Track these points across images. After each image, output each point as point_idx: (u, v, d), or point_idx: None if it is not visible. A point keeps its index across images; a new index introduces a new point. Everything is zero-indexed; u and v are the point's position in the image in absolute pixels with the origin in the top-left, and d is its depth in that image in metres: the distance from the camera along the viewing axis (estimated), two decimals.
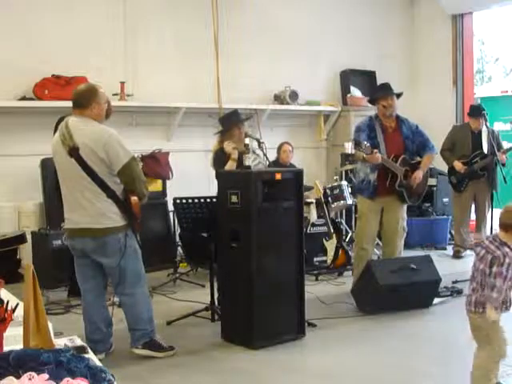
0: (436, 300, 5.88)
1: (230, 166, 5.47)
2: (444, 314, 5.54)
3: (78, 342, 2.29)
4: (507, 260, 3.32)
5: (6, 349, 1.94)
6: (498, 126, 11.12)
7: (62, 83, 7.19)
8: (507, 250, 3.36)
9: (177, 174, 7.65)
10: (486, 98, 12.06)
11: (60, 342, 2.21)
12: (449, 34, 10.20)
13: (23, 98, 7.09)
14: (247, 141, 5.18)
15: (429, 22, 10.43)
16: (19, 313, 2.11)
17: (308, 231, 7.34)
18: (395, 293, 5.57)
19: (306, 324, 5.06)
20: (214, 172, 5.63)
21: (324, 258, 7.43)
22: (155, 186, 7.42)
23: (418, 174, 6.17)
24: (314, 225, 7.54)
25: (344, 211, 8.30)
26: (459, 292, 5.99)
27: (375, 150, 5.85)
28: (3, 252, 6.47)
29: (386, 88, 6.30)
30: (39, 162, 7.02)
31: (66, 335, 2.48)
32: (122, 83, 7.56)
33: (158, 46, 8.09)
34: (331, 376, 4.28)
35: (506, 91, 12.86)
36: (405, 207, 6.32)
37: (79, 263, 4.58)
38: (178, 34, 8.22)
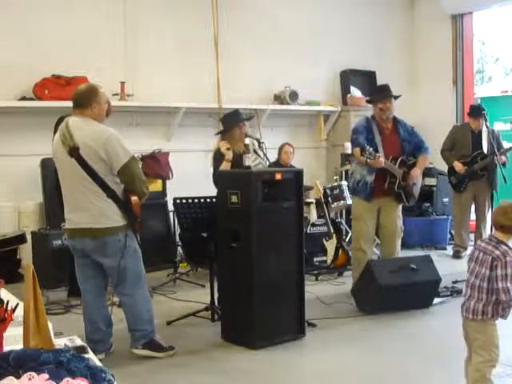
0: (436, 300, 5.88)
1: (225, 166, 5.45)
2: (444, 314, 5.54)
3: (78, 342, 2.29)
4: (508, 258, 3.29)
5: (6, 349, 1.94)
6: (498, 126, 11.10)
7: (62, 83, 7.18)
8: (505, 248, 3.33)
9: (177, 174, 7.65)
10: (486, 98, 12.05)
11: (60, 342, 2.21)
12: (449, 33, 10.20)
13: (23, 98, 7.09)
14: (247, 141, 5.18)
15: (429, 22, 10.44)
16: (19, 313, 2.11)
17: (308, 231, 7.34)
18: (395, 293, 5.57)
19: (306, 324, 5.07)
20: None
21: (324, 258, 7.43)
22: (155, 186, 7.42)
23: (416, 172, 6.18)
24: (314, 225, 7.55)
25: (344, 211, 8.29)
26: (459, 292, 5.98)
27: (378, 155, 5.85)
28: (3, 252, 6.47)
29: (385, 90, 6.27)
30: (39, 161, 7.03)
31: (66, 335, 2.48)
32: (122, 83, 7.56)
33: (158, 46, 8.09)
34: (331, 376, 4.28)
35: (506, 91, 12.85)
36: (400, 207, 6.35)
37: (79, 263, 4.58)
38: (178, 34, 8.22)
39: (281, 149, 7.88)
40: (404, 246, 8.49)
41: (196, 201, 5.31)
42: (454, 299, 5.91)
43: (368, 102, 6.66)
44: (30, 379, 1.58)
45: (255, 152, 5.60)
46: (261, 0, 8.98)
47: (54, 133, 4.89)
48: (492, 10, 11.40)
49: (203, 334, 5.14)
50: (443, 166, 8.60)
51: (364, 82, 9.94)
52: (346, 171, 8.51)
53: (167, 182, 7.73)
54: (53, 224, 6.73)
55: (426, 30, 10.50)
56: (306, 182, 6.00)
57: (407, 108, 10.00)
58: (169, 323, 5.36)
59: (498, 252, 3.31)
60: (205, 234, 5.47)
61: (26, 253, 6.78)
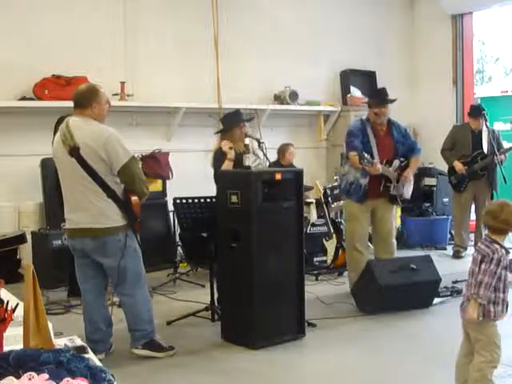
0: (436, 300, 5.88)
1: (227, 166, 5.45)
2: (444, 313, 5.54)
3: (78, 342, 2.29)
4: (496, 256, 3.34)
5: (6, 349, 1.94)
6: (498, 126, 11.09)
7: (62, 83, 7.18)
8: (497, 246, 3.38)
9: (177, 174, 7.65)
10: (486, 98, 12.02)
11: (60, 342, 2.21)
12: (449, 33, 10.20)
13: (23, 98, 7.09)
14: (247, 141, 5.18)
15: (429, 22, 10.44)
16: (19, 313, 2.11)
17: (308, 231, 7.34)
18: (395, 293, 5.57)
19: (306, 324, 5.07)
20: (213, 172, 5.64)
21: (324, 258, 7.43)
22: (155, 186, 7.42)
23: (409, 174, 6.20)
24: (314, 225, 7.55)
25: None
26: (459, 292, 5.98)
27: (375, 161, 5.86)
28: (3, 252, 6.47)
29: (381, 95, 6.26)
30: (39, 161, 7.03)
31: (66, 335, 2.48)
32: (122, 83, 7.56)
33: (157, 46, 8.08)
34: (331, 376, 4.28)
35: (506, 91, 12.83)
36: (394, 207, 6.37)
37: (79, 263, 4.58)
38: (178, 34, 8.22)
39: (285, 150, 7.85)
40: (404, 245, 8.56)
41: (196, 201, 5.31)
42: (454, 299, 5.91)
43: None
44: (30, 379, 1.58)
45: (254, 153, 5.60)
46: (261, 0, 8.98)
47: (54, 133, 4.90)
48: (492, 10, 11.40)
49: (203, 334, 5.14)
50: (443, 166, 8.60)
51: (364, 82, 9.94)
52: None
53: (167, 181, 7.73)
54: (53, 224, 6.73)
55: (426, 30, 10.50)
56: (306, 182, 5.99)
57: (407, 108, 10.03)
58: (169, 323, 5.36)
59: (488, 250, 3.38)
60: (205, 234, 5.47)
61: (26, 253, 6.78)
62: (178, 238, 7.62)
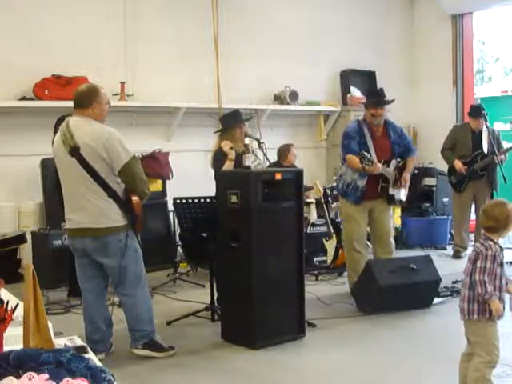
0: (436, 300, 5.88)
1: (228, 166, 5.46)
2: (444, 313, 5.54)
3: (78, 342, 2.29)
4: (490, 252, 3.36)
5: (6, 349, 1.94)
6: (498, 126, 11.10)
7: (62, 83, 7.18)
8: (490, 243, 3.40)
9: (177, 174, 7.66)
10: (486, 98, 12.04)
11: (60, 342, 2.21)
12: (449, 33, 10.20)
13: (23, 98, 7.09)
14: (247, 141, 5.18)
15: (429, 22, 10.44)
16: (19, 313, 2.11)
17: (308, 231, 7.35)
18: (395, 293, 5.57)
19: (306, 324, 5.07)
20: (213, 172, 5.64)
21: (324, 258, 7.43)
22: (155, 186, 7.42)
23: (407, 177, 6.20)
24: (314, 225, 7.55)
25: None
26: (459, 292, 5.94)
27: (376, 160, 5.86)
28: (3, 252, 6.47)
29: (378, 96, 6.24)
30: (39, 161, 7.02)
31: (66, 335, 2.48)
32: (122, 83, 7.55)
33: (158, 46, 8.07)
34: (331, 376, 4.28)
35: (506, 91, 12.85)
36: (391, 206, 6.38)
37: (80, 263, 4.58)
38: (177, 34, 8.22)
39: (285, 150, 7.83)
40: (404, 245, 8.56)
41: (196, 201, 5.31)
42: (453, 299, 5.90)
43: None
44: (30, 379, 1.58)
45: (252, 153, 5.60)
46: (261, 0, 8.98)
47: (54, 133, 4.90)
48: (492, 10, 11.41)
49: (203, 334, 5.14)
50: (443, 166, 8.60)
51: (364, 81, 9.94)
52: None
53: (167, 182, 7.73)
54: (53, 224, 6.73)
55: (426, 30, 10.50)
56: (306, 182, 5.99)
57: (407, 108, 10.05)
58: (169, 323, 5.36)
59: (482, 248, 3.40)
60: (205, 234, 5.47)
61: (26, 253, 6.78)
62: (178, 238, 7.62)
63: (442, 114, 10.01)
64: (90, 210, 4.34)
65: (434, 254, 7.25)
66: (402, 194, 6.24)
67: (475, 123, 7.87)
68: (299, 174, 5.03)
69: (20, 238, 6.71)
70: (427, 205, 9.08)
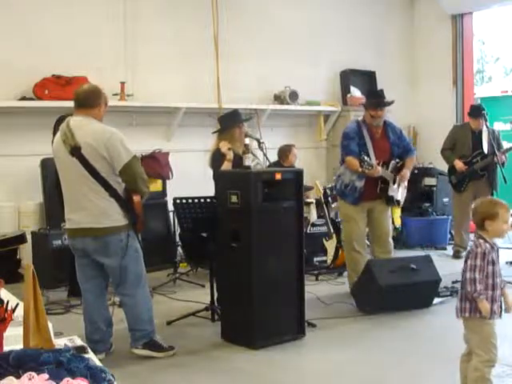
0: (436, 300, 5.88)
1: (226, 167, 5.45)
2: (444, 313, 5.53)
3: (78, 342, 2.29)
4: (479, 250, 3.37)
5: (6, 349, 1.94)
6: (498, 126, 11.11)
7: (62, 83, 7.17)
8: (481, 241, 3.41)
9: (177, 174, 7.65)
10: (486, 98, 12.05)
11: (60, 342, 2.21)
12: (449, 33, 10.20)
13: (23, 98, 7.08)
14: (247, 141, 5.18)
15: (429, 22, 10.44)
16: (19, 313, 2.11)
17: (308, 231, 7.35)
18: (395, 293, 5.57)
19: (306, 324, 5.07)
20: (212, 172, 5.64)
21: (324, 258, 7.43)
22: (155, 186, 7.41)
23: (406, 173, 6.20)
24: (314, 225, 7.55)
25: None
26: None
27: (375, 164, 5.87)
28: (3, 252, 6.47)
29: (378, 97, 6.23)
30: (39, 161, 7.02)
31: (66, 335, 2.48)
32: (122, 83, 7.55)
33: (157, 46, 8.07)
34: (331, 376, 4.28)
35: (506, 91, 12.86)
36: (389, 207, 6.38)
37: (80, 263, 4.58)
38: (177, 34, 8.22)
39: (286, 151, 7.83)
40: (404, 246, 8.56)
41: (196, 201, 5.30)
42: (453, 299, 5.88)
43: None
44: (30, 379, 1.58)
45: (251, 153, 5.60)
46: (261, 0, 8.98)
47: (54, 133, 4.90)
48: (492, 10, 11.41)
49: (203, 334, 5.14)
50: (443, 166, 8.60)
51: (364, 81, 9.95)
52: None
53: (167, 181, 7.73)
54: (53, 224, 6.73)
55: (426, 30, 10.50)
56: (306, 182, 5.99)
57: (407, 108, 10.05)
58: (169, 323, 5.36)
59: (473, 245, 3.43)
60: (205, 234, 5.47)
61: (26, 253, 6.78)
62: (177, 238, 7.62)
63: (442, 114, 10.01)
64: (91, 209, 4.34)
65: (434, 254, 7.25)
66: (400, 195, 6.24)
67: (475, 123, 7.87)
68: (299, 174, 5.03)
69: (20, 238, 6.71)
70: (427, 205, 9.08)
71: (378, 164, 5.99)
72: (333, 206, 7.52)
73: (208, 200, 5.30)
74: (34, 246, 6.70)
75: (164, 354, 4.60)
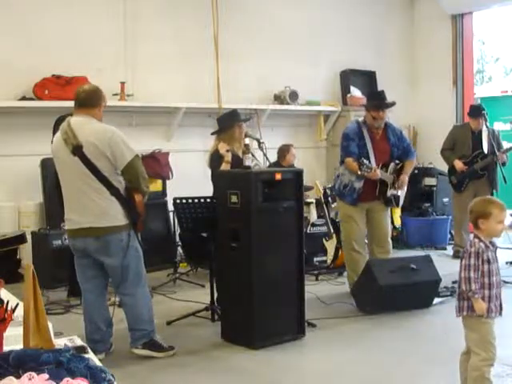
0: (436, 300, 5.88)
1: (224, 168, 5.46)
2: (444, 313, 5.54)
3: (78, 342, 2.29)
4: (473, 249, 3.38)
5: (5, 349, 1.94)
6: (498, 126, 11.10)
7: (62, 83, 7.17)
8: (475, 240, 3.43)
9: (177, 174, 7.65)
10: (486, 98, 12.05)
11: (60, 342, 2.21)
12: (449, 33, 10.20)
13: (23, 98, 7.08)
14: (247, 141, 5.19)
15: (429, 22, 10.44)
16: (19, 313, 2.11)
17: (308, 231, 7.35)
18: (395, 293, 5.57)
19: (306, 324, 5.07)
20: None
21: (324, 258, 7.43)
22: (155, 186, 7.42)
23: (405, 179, 6.20)
24: (313, 225, 7.55)
25: None
26: None
27: (374, 167, 5.86)
28: (3, 252, 6.46)
29: (380, 98, 6.22)
30: (39, 161, 7.02)
31: (66, 335, 2.48)
32: (122, 83, 7.55)
33: (157, 46, 8.06)
34: (331, 376, 4.28)
35: (506, 91, 12.85)
36: (389, 208, 6.39)
37: (80, 263, 4.58)
38: (177, 34, 8.21)
39: (284, 150, 7.84)
40: (404, 245, 8.57)
41: (196, 201, 5.31)
42: (453, 299, 5.86)
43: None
44: (30, 379, 1.58)
45: (252, 154, 5.60)
46: (261, 1, 8.98)
47: (54, 133, 4.90)
48: (492, 10, 11.40)
49: (203, 334, 5.14)
50: (443, 166, 8.60)
51: (364, 81, 9.95)
52: None
53: (167, 182, 7.73)
54: (53, 224, 6.73)
55: (426, 30, 10.50)
56: (306, 181, 5.99)
57: (407, 108, 10.04)
58: (169, 323, 5.36)
59: (468, 245, 3.45)
60: (205, 234, 5.48)
61: (26, 253, 6.78)
62: (177, 238, 7.62)
63: (441, 114, 10.01)
64: (92, 209, 4.34)
65: (434, 254, 7.26)
66: (399, 196, 6.24)
67: (475, 123, 7.87)
68: (299, 174, 5.03)
69: (20, 238, 6.70)
70: (427, 205, 9.08)
71: (378, 166, 5.99)
72: (333, 205, 7.52)
73: (208, 200, 5.30)
74: (34, 246, 6.69)
75: (164, 353, 4.60)
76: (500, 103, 12.15)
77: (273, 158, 7.36)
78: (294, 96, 8.99)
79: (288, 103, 8.98)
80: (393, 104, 6.26)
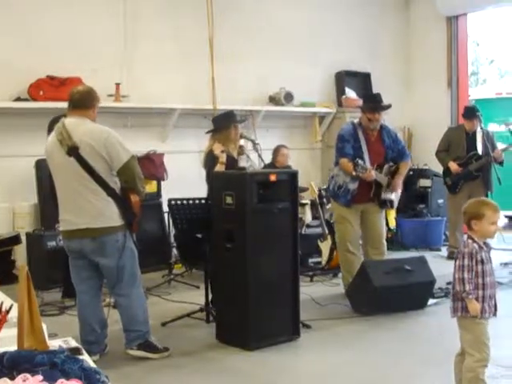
0: (431, 301, 5.89)
1: (219, 169, 5.46)
2: (439, 314, 5.55)
3: (73, 343, 2.29)
4: (466, 250, 3.39)
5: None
6: (493, 128, 11.13)
7: (56, 84, 7.16)
8: (469, 240, 3.43)
9: (172, 175, 7.65)
10: (481, 100, 12.08)
11: (54, 344, 2.20)
12: (443, 35, 10.21)
13: (18, 99, 7.07)
14: (242, 142, 5.19)
15: (423, 24, 10.46)
16: (13, 314, 2.11)
17: (303, 232, 7.35)
18: (390, 294, 5.58)
19: (301, 325, 5.07)
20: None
21: (319, 259, 7.44)
22: (150, 187, 7.40)
23: (399, 182, 6.22)
24: (308, 226, 7.56)
25: None
26: None
27: (369, 167, 5.87)
28: None
29: (376, 101, 6.23)
30: (34, 162, 6.99)
31: (61, 336, 2.48)
32: (117, 84, 7.54)
33: (156, 47, 8.05)
34: (326, 377, 4.28)
35: (501, 93, 12.88)
36: (383, 210, 6.40)
37: (75, 264, 4.56)
38: (174, 35, 8.20)
39: (277, 151, 7.86)
40: (399, 247, 8.57)
41: (191, 202, 5.31)
42: (448, 300, 5.88)
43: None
44: (24, 381, 1.58)
45: (247, 155, 5.60)
46: (257, 2, 8.98)
47: (48, 133, 4.89)
48: (486, 12, 11.44)
49: (198, 335, 5.14)
50: (438, 168, 8.62)
51: (359, 83, 9.96)
52: None
53: (162, 183, 7.72)
54: (47, 225, 6.71)
55: (421, 32, 10.52)
56: (301, 183, 5.99)
57: (402, 109, 10.06)
58: (163, 324, 5.35)
59: (461, 246, 3.47)
60: (200, 235, 5.47)
61: (20, 254, 6.77)
62: (172, 239, 7.61)
63: (436, 116, 10.03)
64: (88, 210, 4.33)
65: (429, 255, 7.24)
66: (394, 198, 6.25)
67: (469, 125, 7.90)
68: (294, 176, 5.04)
69: (14, 239, 6.70)
70: (422, 206, 9.09)
71: (373, 167, 6.00)
72: (327, 207, 7.53)
73: (203, 201, 5.30)
74: (29, 247, 6.69)
75: (159, 355, 4.59)
76: (494, 105, 12.18)
77: (268, 159, 7.36)
78: (288, 97, 9.00)
79: (283, 104, 8.98)
80: (389, 106, 6.28)
